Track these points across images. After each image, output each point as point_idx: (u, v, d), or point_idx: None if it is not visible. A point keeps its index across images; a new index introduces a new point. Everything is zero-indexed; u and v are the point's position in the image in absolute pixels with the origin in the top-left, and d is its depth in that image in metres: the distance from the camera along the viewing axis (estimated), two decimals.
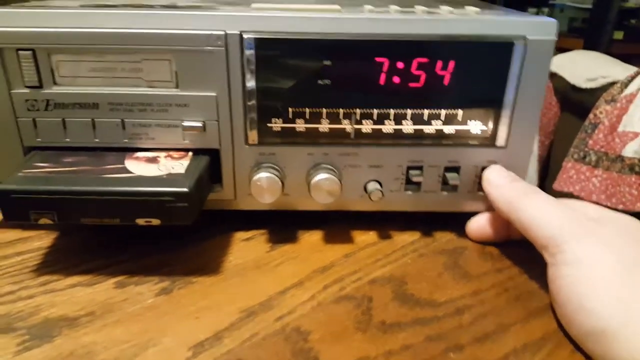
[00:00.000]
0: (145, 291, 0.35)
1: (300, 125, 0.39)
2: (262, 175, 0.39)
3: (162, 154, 0.39)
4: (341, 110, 0.39)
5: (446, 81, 0.38)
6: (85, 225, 0.42)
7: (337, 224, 0.44)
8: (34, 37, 0.36)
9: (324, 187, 0.39)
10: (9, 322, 0.32)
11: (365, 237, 0.43)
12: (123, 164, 0.37)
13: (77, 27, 0.35)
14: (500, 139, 0.40)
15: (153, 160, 0.38)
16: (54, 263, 0.38)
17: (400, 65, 0.37)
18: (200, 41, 0.36)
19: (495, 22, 0.37)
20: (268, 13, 0.37)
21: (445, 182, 0.41)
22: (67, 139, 0.38)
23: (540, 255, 0.35)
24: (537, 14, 2.41)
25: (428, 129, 0.40)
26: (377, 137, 0.40)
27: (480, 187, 0.41)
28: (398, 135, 0.40)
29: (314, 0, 0.44)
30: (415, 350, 0.31)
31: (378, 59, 0.37)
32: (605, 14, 1.78)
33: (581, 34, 1.92)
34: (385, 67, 0.37)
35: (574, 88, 1.18)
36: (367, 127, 0.39)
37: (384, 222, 0.44)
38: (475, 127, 0.40)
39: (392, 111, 0.39)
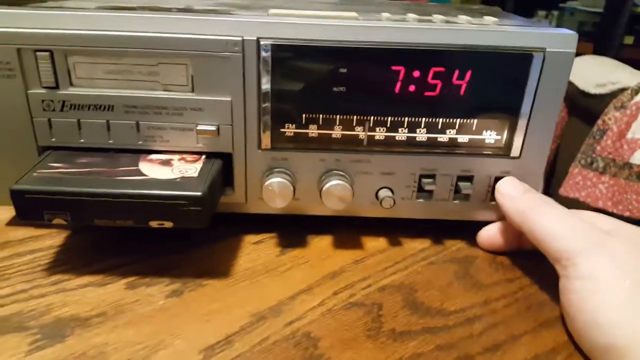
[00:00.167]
0: (156, 293, 0.36)
1: (313, 131, 0.39)
2: (274, 180, 0.39)
3: (176, 157, 0.39)
4: (355, 117, 0.39)
5: (462, 91, 0.38)
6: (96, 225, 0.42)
7: (346, 229, 0.44)
8: (51, 38, 0.36)
9: (335, 193, 0.39)
10: (21, 321, 0.32)
11: (375, 244, 0.43)
12: (137, 166, 0.37)
13: (94, 29, 0.36)
14: (515, 150, 0.40)
15: (167, 163, 0.38)
16: (66, 262, 0.38)
17: (416, 74, 0.37)
18: (217, 46, 0.36)
19: (514, 33, 0.37)
20: (285, 20, 0.37)
21: (457, 190, 0.41)
22: (82, 140, 0.39)
23: (551, 266, 0.35)
24: (546, 17, 2.40)
25: (442, 138, 0.40)
26: (390, 145, 0.40)
27: (492, 197, 0.41)
28: (411, 143, 0.40)
29: (332, 7, 0.44)
30: None
31: (394, 67, 0.37)
32: (615, 19, 1.78)
33: (591, 38, 1.91)
34: (401, 76, 0.37)
35: (582, 93, 1.18)
36: (380, 134, 0.39)
37: (394, 228, 0.44)
38: (490, 137, 0.40)
39: (406, 119, 0.39)
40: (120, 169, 0.37)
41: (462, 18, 0.40)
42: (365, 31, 0.37)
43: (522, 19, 0.43)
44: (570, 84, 1.20)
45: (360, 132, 0.39)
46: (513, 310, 0.36)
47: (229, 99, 0.38)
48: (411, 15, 0.40)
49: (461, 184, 0.41)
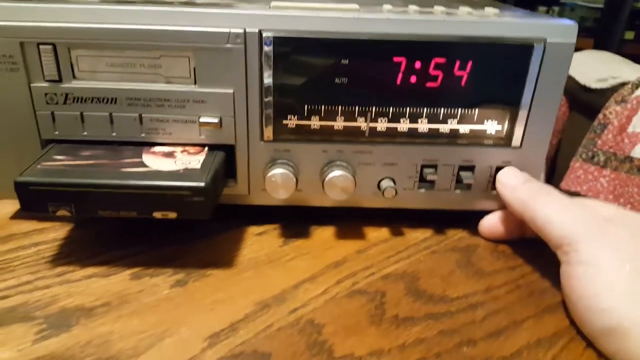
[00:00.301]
0: (161, 283, 0.36)
1: (315, 123, 0.39)
2: (277, 171, 0.39)
3: (179, 149, 0.39)
4: (356, 109, 0.39)
5: (463, 82, 0.38)
6: (100, 217, 0.42)
7: (349, 220, 0.44)
8: (54, 31, 0.36)
9: (338, 184, 0.40)
10: (27, 312, 0.33)
11: (377, 234, 0.43)
12: (140, 158, 0.38)
13: (97, 22, 0.36)
14: (516, 140, 0.40)
15: (170, 155, 0.38)
16: (70, 254, 0.39)
17: (417, 65, 0.38)
18: (219, 39, 0.36)
19: (515, 24, 0.38)
20: (287, 12, 0.37)
21: (459, 180, 0.42)
22: (85, 133, 0.39)
23: (552, 253, 0.35)
24: (547, 12, 2.40)
25: (443, 128, 0.40)
26: (391, 136, 0.40)
27: (494, 187, 0.42)
28: (413, 134, 0.40)
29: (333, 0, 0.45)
30: (428, 344, 0.31)
31: (396, 59, 0.37)
32: (616, 14, 1.77)
33: (592, 33, 1.90)
34: (403, 67, 0.38)
35: (583, 88, 1.18)
36: (382, 125, 0.40)
37: (396, 219, 0.44)
38: (491, 127, 0.40)
39: (407, 110, 0.39)
40: (124, 161, 0.37)
41: (463, 10, 0.40)
42: (367, 23, 0.37)
43: (522, 11, 0.43)
44: (571, 78, 1.19)
45: (362, 123, 0.40)
46: (515, 296, 0.36)
47: (231, 91, 0.38)
48: (412, 7, 0.40)
49: (463, 173, 0.41)
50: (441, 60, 0.37)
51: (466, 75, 0.38)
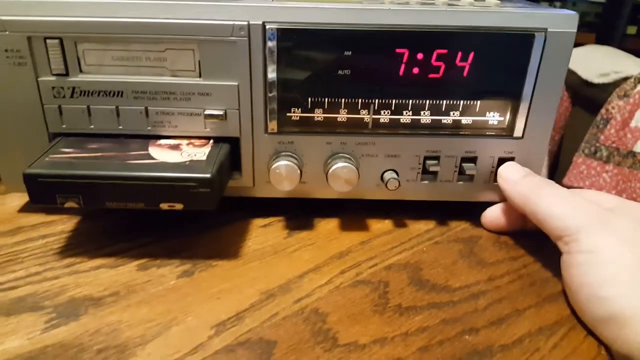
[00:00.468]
0: (168, 273, 0.36)
1: (318, 115, 0.40)
2: (281, 163, 0.40)
3: (184, 142, 0.40)
4: (359, 101, 0.40)
5: (465, 72, 0.39)
6: (107, 210, 0.43)
7: (352, 212, 0.45)
8: (61, 26, 0.36)
9: (341, 176, 0.40)
10: (36, 301, 0.33)
11: (380, 226, 0.44)
12: (147, 150, 0.38)
13: (103, 16, 0.36)
14: (518, 130, 0.41)
15: (175, 147, 0.39)
16: (78, 246, 0.39)
17: (420, 56, 0.38)
18: (223, 31, 0.37)
19: (516, 14, 0.38)
20: (290, 4, 0.37)
21: (461, 172, 0.42)
22: (92, 126, 0.39)
23: (553, 244, 0.36)
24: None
25: (446, 120, 0.40)
26: (394, 127, 0.40)
27: (496, 178, 0.42)
28: (416, 125, 0.40)
29: None
30: (431, 332, 0.32)
31: (398, 50, 0.38)
32: (618, 9, 1.77)
33: (594, 28, 1.90)
34: (405, 58, 0.38)
35: (586, 83, 1.18)
36: (385, 117, 0.40)
37: (400, 210, 0.45)
38: (493, 118, 0.40)
39: (410, 102, 0.40)
40: (131, 153, 0.38)
41: (465, 0, 0.41)
42: (370, 14, 0.37)
43: (523, 1, 0.44)
44: (573, 73, 1.20)
45: (365, 115, 0.40)
46: (517, 286, 0.37)
47: (235, 83, 0.38)
48: None
49: (465, 165, 0.42)
50: (443, 51, 0.38)
51: (468, 65, 0.38)
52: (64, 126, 0.39)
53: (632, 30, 1.98)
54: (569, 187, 0.38)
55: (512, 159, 0.42)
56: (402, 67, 0.38)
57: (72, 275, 0.36)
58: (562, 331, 0.33)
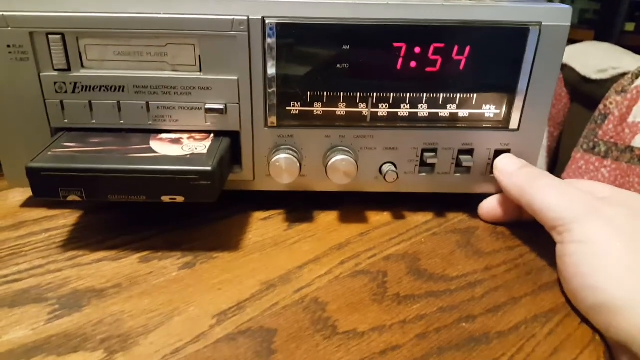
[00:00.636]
0: (169, 265, 0.37)
1: (318, 109, 0.40)
2: (281, 156, 0.40)
3: (185, 136, 0.40)
4: (358, 94, 0.40)
5: (462, 66, 0.39)
6: (108, 204, 0.43)
7: (351, 204, 0.45)
8: (63, 21, 0.37)
9: (340, 168, 0.40)
10: (40, 293, 0.34)
11: (379, 218, 0.44)
12: (148, 144, 0.39)
13: (104, 12, 0.37)
14: (514, 122, 0.41)
15: (176, 141, 0.39)
16: (80, 239, 0.40)
17: (417, 50, 0.38)
18: (223, 26, 0.37)
19: (511, 8, 0.38)
20: None
21: (458, 164, 0.43)
22: (94, 121, 0.40)
23: (549, 235, 0.36)
24: None
25: (443, 113, 0.41)
26: (392, 120, 0.41)
27: (492, 170, 0.42)
28: (413, 118, 0.41)
29: None
30: (428, 320, 0.32)
31: (396, 44, 0.38)
32: (616, 6, 1.78)
33: (592, 25, 1.91)
34: (403, 52, 0.38)
35: (584, 79, 1.18)
36: (383, 110, 0.41)
37: (398, 203, 0.45)
38: (489, 110, 0.41)
39: (408, 95, 0.40)
40: (132, 147, 0.38)
41: None
42: (368, 9, 0.38)
43: None
44: (572, 70, 1.20)
45: (363, 109, 0.41)
46: (513, 275, 0.37)
47: (235, 77, 0.39)
48: None
49: (462, 157, 0.42)
50: (440, 45, 0.38)
51: (464, 59, 0.39)
52: (66, 121, 0.40)
53: (630, 27, 1.98)
54: None
55: (508, 150, 0.42)
56: (400, 61, 0.39)
57: (75, 267, 0.36)
58: (558, 318, 0.33)
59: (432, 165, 0.43)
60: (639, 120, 1.03)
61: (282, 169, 0.40)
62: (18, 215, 0.42)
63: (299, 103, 0.40)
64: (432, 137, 0.42)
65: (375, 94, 0.40)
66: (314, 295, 0.34)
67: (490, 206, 0.44)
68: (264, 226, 0.42)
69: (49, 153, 0.37)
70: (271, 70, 0.39)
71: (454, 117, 0.41)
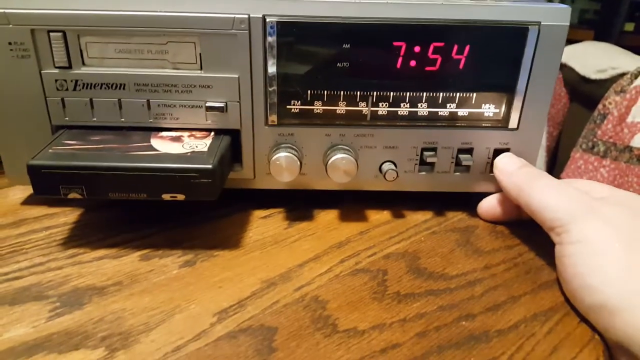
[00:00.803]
0: (170, 263, 0.37)
1: (318, 107, 0.40)
2: (281, 154, 0.40)
3: (186, 134, 0.40)
4: (358, 93, 0.40)
5: (461, 65, 0.39)
6: (109, 202, 0.43)
7: (351, 203, 0.45)
8: (64, 19, 0.37)
9: (340, 167, 0.41)
10: (41, 291, 0.34)
11: (379, 216, 0.44)
12: (149, 142, 0.39)
13: (106, 9, 0.37)
14: (513, 121, 0.41)
15: (177, 139, 0.39)
16: (80, 237, 0.40)
17: (417, 49, 0.39)
18: (224, 24, 0.37)
19: (510, 8, 0.39)
20: None
21: (458, 163, 0.43)
22: (94, 119, 0.40)
23: (548, 234, 0.36)
24: None
25: (442, 112, 0.41)
26: (392, 119, 0.41)
27: (492, 169, 0.43)
28: (413, 117, 0.41)
29: None
30: (428, 319, 0.32)
31: (396, 43, 0.38)
32: (616, 6, 1.78)
33: (592, 25, 1.91)
34: (403, 51, 0.39)
35: (583, 79, 1.19)
36: (383, 109, 0.41)
37: (398, 202, 0.46)
38: (489, 109, 0.41)
39: (408, 94, 0.40)
40: (133, 145, 0.38)
41: None
42: (368, 8, 0.38)
43: None
44: (571, 70, 1.20)
45: (363, 108, 0.41)
46: (512, 274, 0.37)
47: (236, 75, 0.39)
48: None
49: (462, 156, 0.42)
50: (440, 44, 0.38)
51: (464, 58, 0.39)
52: (67, 119, 0.40)
53: (629, 27, 1.98)
54: None
55: (507, 149, 0.42)
56: (400, 60, 0.39)
57: (76, 265, 0.36)
58: (557, 317, 0.33)
59: (432, 164, 0.43)
60: (638, 120, 1.03)
61: (282, 167, 0.40)
62: (19, 213, 0.42)
63: (299, 101, 0.40)
64: (431, 136, 0.42)
65: (375, 93, 0.40)
66: (314, 293, 0.34)
67: (489, 205, 0.44)
68: (265, 224, 0.42)
69: (50, 150, 0.37)
70: (272, 69, 0.39)
71: (453, 116, 0.41)
